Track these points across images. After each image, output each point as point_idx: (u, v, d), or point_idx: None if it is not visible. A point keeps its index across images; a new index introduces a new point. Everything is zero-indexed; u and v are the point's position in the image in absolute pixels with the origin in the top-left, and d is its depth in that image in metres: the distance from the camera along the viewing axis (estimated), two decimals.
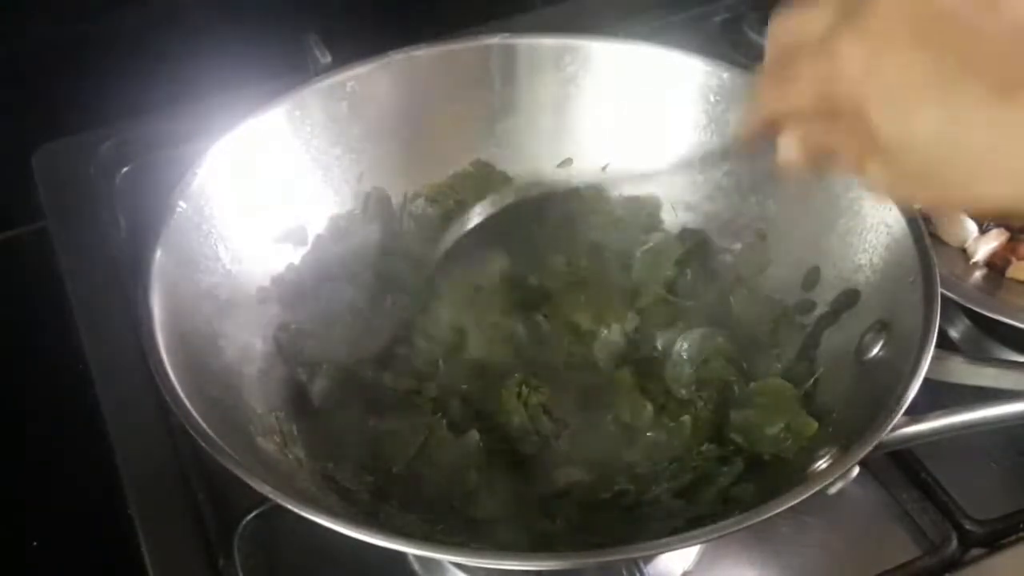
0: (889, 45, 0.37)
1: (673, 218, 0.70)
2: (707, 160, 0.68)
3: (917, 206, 0.58)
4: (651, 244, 0.68)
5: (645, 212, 0.70)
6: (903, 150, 0.38)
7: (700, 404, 0.61)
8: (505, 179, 0.71)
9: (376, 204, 0.69)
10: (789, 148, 0.44)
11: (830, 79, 0.39)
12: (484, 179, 0.71)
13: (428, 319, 0.65)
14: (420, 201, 0.70)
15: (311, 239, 0.67)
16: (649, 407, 0.61)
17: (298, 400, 0.61)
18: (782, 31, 0.42)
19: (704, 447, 0.59)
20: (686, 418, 0.60)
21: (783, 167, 0.45)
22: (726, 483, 0.56)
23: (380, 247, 0.68)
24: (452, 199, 0.70)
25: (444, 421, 0.60)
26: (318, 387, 0.61)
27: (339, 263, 0.67)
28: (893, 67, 0.38)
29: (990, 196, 0.38)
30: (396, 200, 0.70)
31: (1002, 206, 0.39)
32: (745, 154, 0.56)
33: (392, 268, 0.67)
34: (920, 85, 0.37)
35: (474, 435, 0.59)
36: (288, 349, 0.63)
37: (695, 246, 0.69)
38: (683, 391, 0.62)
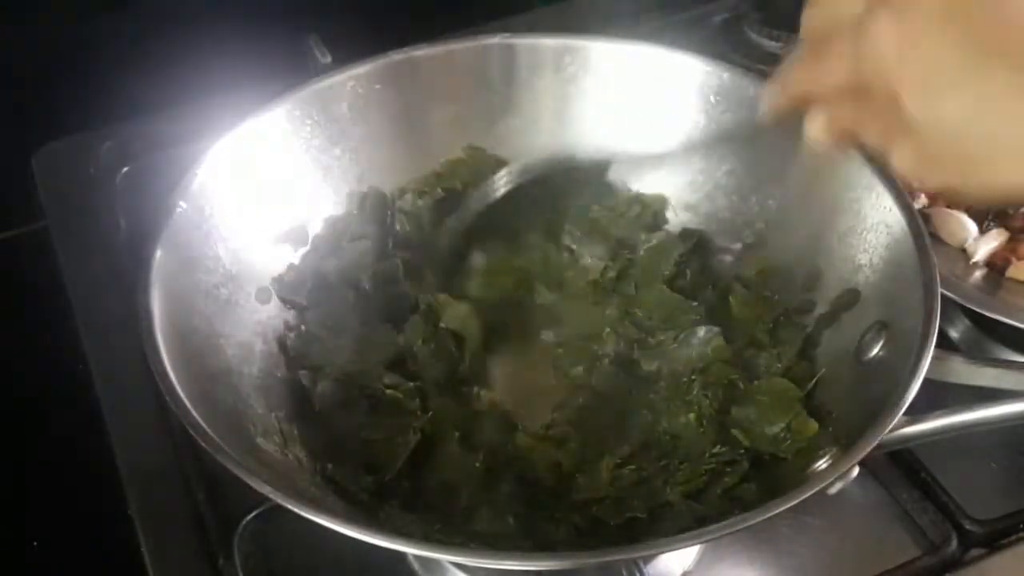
0: (923, 28, 0.38)
1: (674, 218, 0.70)
2: (721, 139, 0.68)
3: (932, 190, 0.57)
4: (653, 243, 0.68)
5: (651, 211, 0.70)
6: (931, 132, 0.39)
7: (705, 403, 0.60)
8: (498, 162, 0.70)
9: (372, 204, 0.69)
10: (817, 126, 0.45)
11: (863, 58, 0.40)
12: (472, 166, 0.70)
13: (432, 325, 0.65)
14: (408, 196, 0.69)
15: (311, 239, 0.67)
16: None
17: (299, 401, 0.61)
18: (817, 14, 0.43)
19: (716, 449, 0.59)
20: (691, 416, 0.60)
21: (810, 144, 0.45)
22: (731, 483, 0.56)
23: (378, 249, 0.68)
24: (439, 186, 0.69)
25: (457, 434, 0.59)
26: (320, 390, 0.61)
27: (341, 265, 0.66)
28: (926, 49, 0.38)
29: (1013, 181, 0.39)
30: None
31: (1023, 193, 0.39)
32: (757, 136, 0.56)
33: (390, 270, 0.67)
34: (951, 68, 0.38)
35: (478, 454, 0.59)
36: (293, 352, 0.63)
37: (695, 246, 0.69)
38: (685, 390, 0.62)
